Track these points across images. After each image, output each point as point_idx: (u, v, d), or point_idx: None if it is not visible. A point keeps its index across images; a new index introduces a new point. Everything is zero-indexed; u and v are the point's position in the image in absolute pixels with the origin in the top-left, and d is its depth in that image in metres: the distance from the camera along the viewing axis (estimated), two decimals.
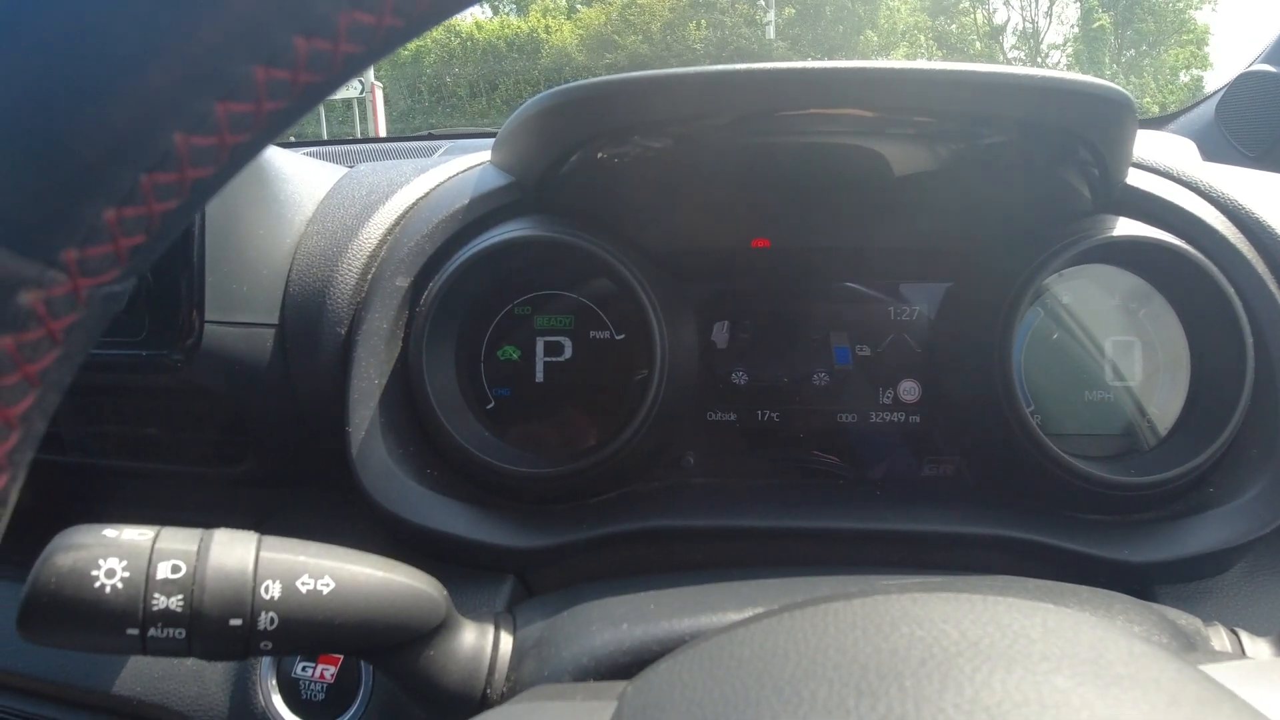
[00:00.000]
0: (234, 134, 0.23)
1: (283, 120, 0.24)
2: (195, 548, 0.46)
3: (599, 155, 0.78)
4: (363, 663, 0.71)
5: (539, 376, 0.82)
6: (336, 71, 0.24)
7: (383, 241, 0.80)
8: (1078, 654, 0.30)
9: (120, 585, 0.43)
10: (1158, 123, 1.43)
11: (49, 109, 0.22)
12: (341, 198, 0.85)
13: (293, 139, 2.01)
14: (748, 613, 0.51)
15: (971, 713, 0.26)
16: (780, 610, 0.38)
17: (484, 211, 0.79)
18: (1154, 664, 0.30)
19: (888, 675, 0.28)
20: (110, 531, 0.45)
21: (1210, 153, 1.23)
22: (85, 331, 0.26)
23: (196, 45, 0.22)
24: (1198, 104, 1.37)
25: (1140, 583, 0.72)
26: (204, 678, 0.74)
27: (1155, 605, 0.56)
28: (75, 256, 0.24)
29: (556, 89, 0.71)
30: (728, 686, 0.31)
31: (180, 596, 0.44)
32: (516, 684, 0.52)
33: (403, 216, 0.82)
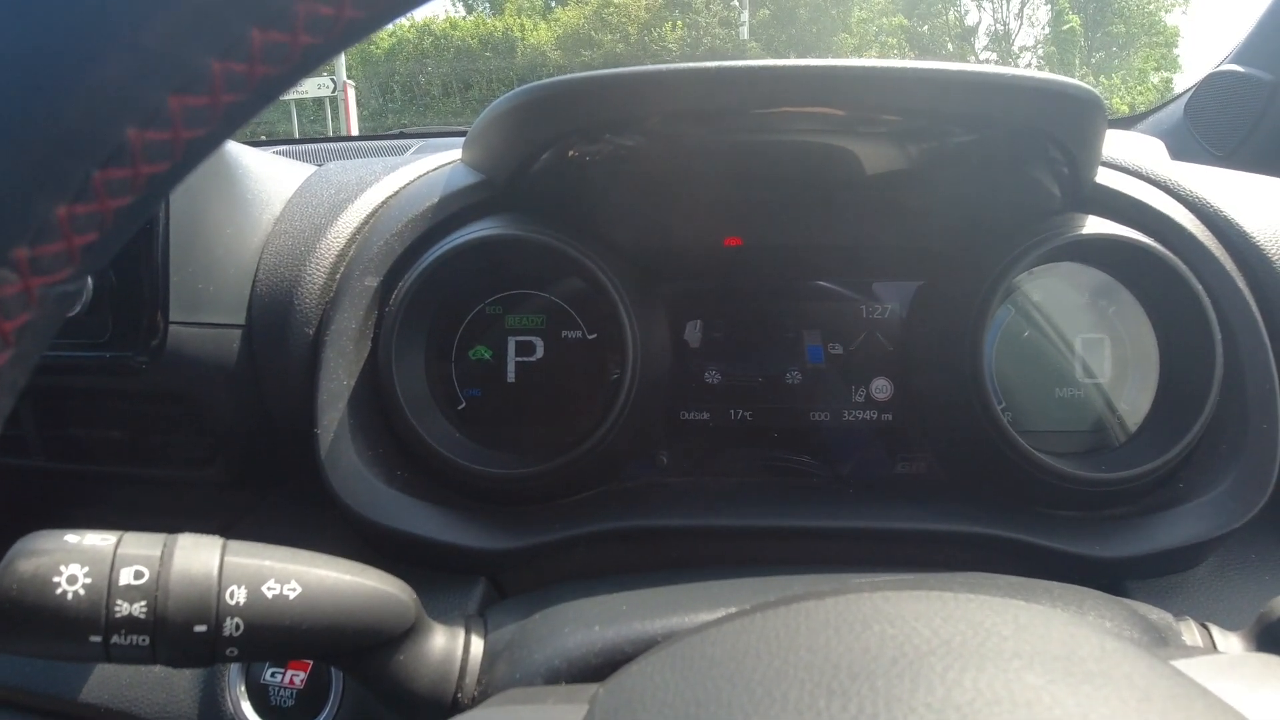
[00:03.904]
0: (189, 128, 0.23)
1: (239, 114, 0.23)
2: (159, 553, 0.45)
3: (571, 153, 0.77)
4: (333, 668, 0.71)
5: (510, 376, 0.82)
6: (294, 64, 0.23)
7: (351, 240, 0.79)
8: (1049, 651, 0.30)
9: (82, 592, 0.42)
10: (1127, 122, 1.44)
11: None
12: (310, 196, 0.84)
13: (263, 137, 1.99)
14: (720, 613, 0.51)
15: (943, 712, 0.25)
16: (752, 610, 0.38)
17: (454, 210, 0.78)
18: (1126, 660, 0.30)
19: (859, 675, 0.28)
20: (72, 537, 0.44)
21: (1179, 152, 1.25)
22: (38, 332, 0.25)
23: (150, 36, 0.21)
24: (1166, 104, 1.39)
25: (1111, 578, 0.72)
26: (171, 684, 0.72)
27: (1126, 600, 0.56)
28: (26, 255, 0.23)
29: (528, 86, 0.71)
30: (699, 687, 0.31)
31: (143, 603, 0.43)
32: (488, 687, 0.52)
33: (372, 215, 0.81)
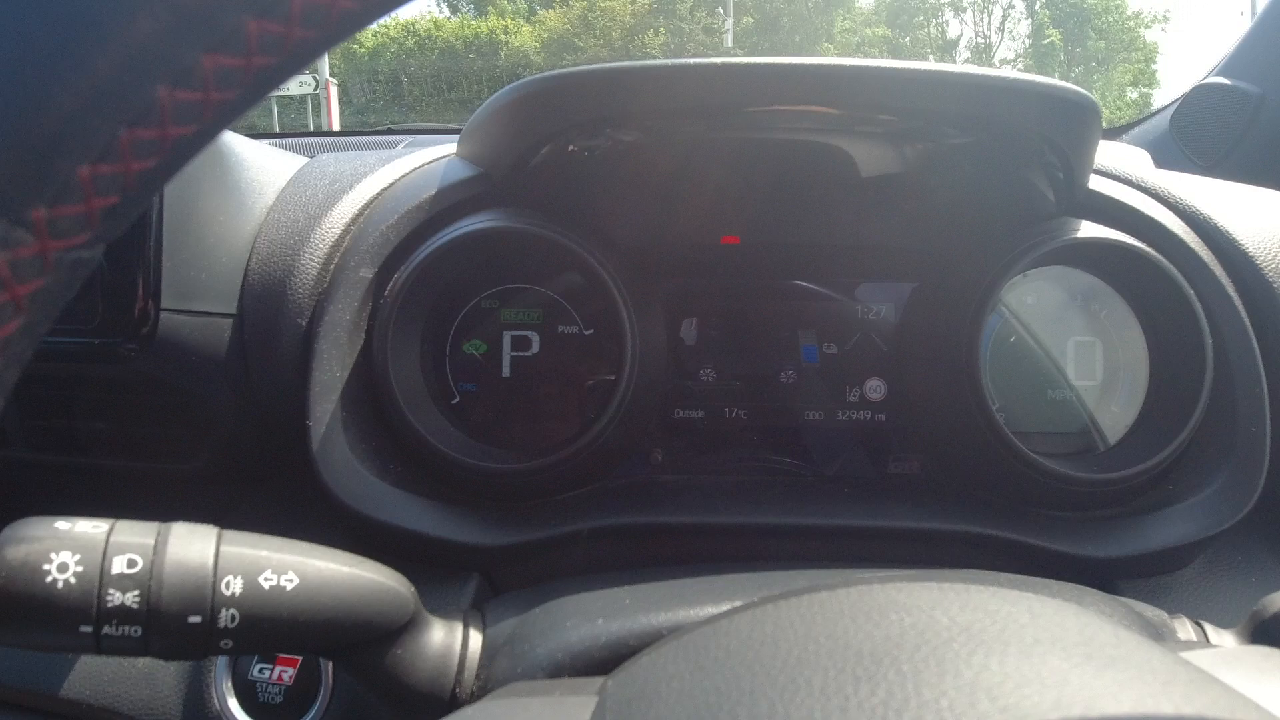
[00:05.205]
0: (220, 90, 0.22)
1: (271, 78, 0.23)
2: (152, 541, 0.44)
3: (570, 148, 0.77)
4: (323, 664, 0.69)
5: (506, 371, 0.81)
6: (331, 29, 0.22)
7: (346, 231, 0.78)
8: (1068, 638, 0.30)
9: (73, 580, 0.41)
10: (1113, 133, 1.46)
11: (27, 51, 0.20)
12: (304, 185, 0.83)
13: (244, 133, 1.97)
14: (725, 606, 0.50)
15: (974, 694, 0.25)
16: (764, 601, 0.37)
17: (452, 202, 0.78)
18: (1141, 648, 0.31)
19: (884, 661, 0.28)
20: (63, 524, 0.43)
21: (1163, 163, 1.25)
22: (51, 299, 0.24)
23: None
24: (1152, 115, 1.40)
25: (1102, 578, 0.73)
26: (156, 680, 0.71)
27: (1121, 598, 0.57)
28: (44, 216, 0.22)
29: (529, 79, 0.70)
30: (718, 676, 0.31)
31: (136, 592, 0.42)
32: (488, 682, 0.51)
33: (367, 206, 0.80)
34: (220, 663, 0.70)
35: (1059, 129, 0.73)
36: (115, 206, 0.23)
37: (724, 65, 0.67)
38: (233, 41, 0.21)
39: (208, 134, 0.23)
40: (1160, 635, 0.54)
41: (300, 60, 0.23)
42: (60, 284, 0.24)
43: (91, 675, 0.72)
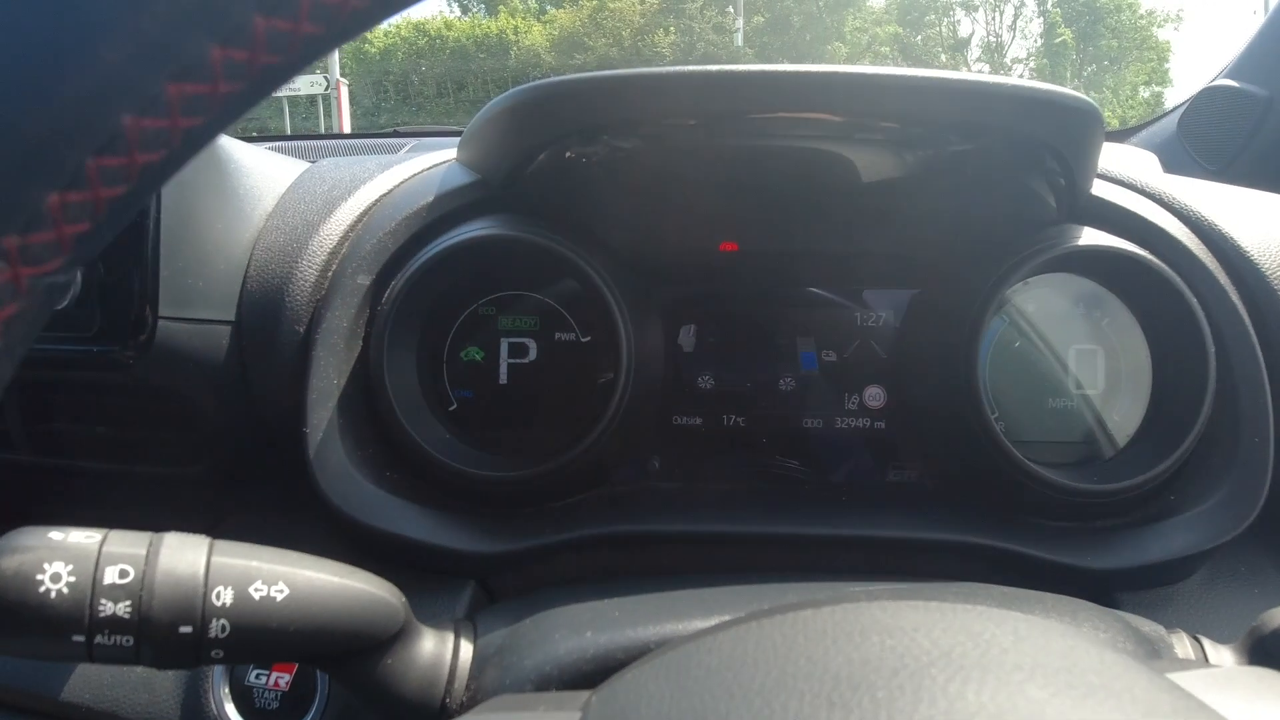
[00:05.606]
0: (187, 117, 0.22)
1: (238, 104, 0.23)
2: (144, 552, 0.44)
3: (567, 155, 0.77)
4: (318, 670, 0.70)
5: (503, 378, 0.81)
6: (296, 54, 0.22)
7: (345, 238, 0.78)
8: (1050, 663, 0.30)
9: (66, 590, 0.42)
10: (1120, 135, 1.45)
11: None
12: (303, 192, 0.83)
13: (254, 134, 1.98)
14: (714, 620, 0.50)
15: None
16: (748, 618, 0.37)
17: (449, 209, 0.78)
18: (1126, 673, 0.30)
19: (860, 686, 0.28)
20: (56, 534, 0.43)
21: (1172, 166, 1.25)
22: (26, 324, 0.24)
23: (150, 20, 0.21)
24: (1160, 118, 1.39)
25: (1102, 589, 0.72)
26: (154, 685, 0.72)
27: (1119, 612, 0.56)
28: (15, 243, 0.22)
29: (526, 85, 0.70)
30: (695, 696, 0.30)
31: (128, 602, 0.43)
32: (477, 693, 0.51)
33: (366, 213, 0.80)
34: (217, 668, 0.71)
35: (1060, 135, 0.72)
36: (86, 233, 0.23)
37: (722, 73, 0.67)
38: (197, 70, 0.21)
39: (177, 160, 0.23)
40: (1157, 651, 0.53)
41: (268, 85, 0.23)
42: (35, 309, 0.24)
43: (91, 679, 0.73)
